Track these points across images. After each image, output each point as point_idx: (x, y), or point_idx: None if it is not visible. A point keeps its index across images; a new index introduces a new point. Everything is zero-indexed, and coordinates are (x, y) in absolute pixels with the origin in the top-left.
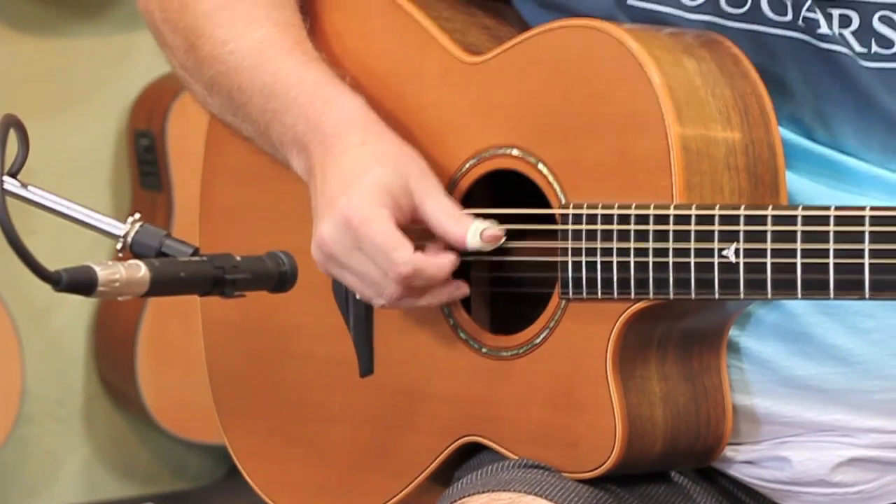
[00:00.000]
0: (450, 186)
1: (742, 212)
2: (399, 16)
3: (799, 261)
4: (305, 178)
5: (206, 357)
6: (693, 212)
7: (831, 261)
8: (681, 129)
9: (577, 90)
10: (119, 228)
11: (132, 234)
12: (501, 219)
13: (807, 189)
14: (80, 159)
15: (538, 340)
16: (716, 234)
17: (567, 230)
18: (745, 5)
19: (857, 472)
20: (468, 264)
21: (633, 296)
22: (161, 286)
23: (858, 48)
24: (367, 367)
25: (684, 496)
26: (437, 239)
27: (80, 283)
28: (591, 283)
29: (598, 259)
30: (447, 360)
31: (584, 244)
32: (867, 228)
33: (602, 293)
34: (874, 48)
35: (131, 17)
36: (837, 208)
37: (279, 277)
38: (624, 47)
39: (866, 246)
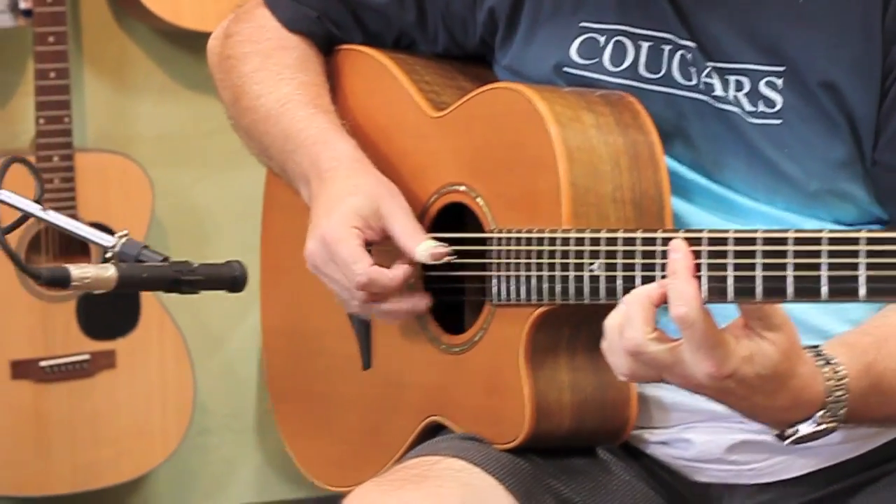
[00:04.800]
0: (421, 214)
1: (602, 235)
2: (391, 80)
3: (638, 274)
4: (309, 205)
5: (264, 357)
6: (572, 235)
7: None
8: (570, 170)
9: (501, 138)
10: (110, 242)
11: (119, 245)
12: (449, 242)
13: (703, 220)
14: (254, 201)
15: (476, 339)
16: (586, 253)
17: (493, 251)
18: (660, 72)
19: (749, 452)
20: (431, 279)
21: (533, 301)
22: (127, 283)
23: (749, 107)
24: (367, 362)
25: (603, 468)
26: (400, 258)
27: (57, 278)
28: (508, 292)
29: (512, 273)
30: (419, 356)
31: (503, 261)
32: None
33: (515, 300)
34: (760, 108)
35: None
36: (665, 231)
37: (231, 280)
38: (532, 105)
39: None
